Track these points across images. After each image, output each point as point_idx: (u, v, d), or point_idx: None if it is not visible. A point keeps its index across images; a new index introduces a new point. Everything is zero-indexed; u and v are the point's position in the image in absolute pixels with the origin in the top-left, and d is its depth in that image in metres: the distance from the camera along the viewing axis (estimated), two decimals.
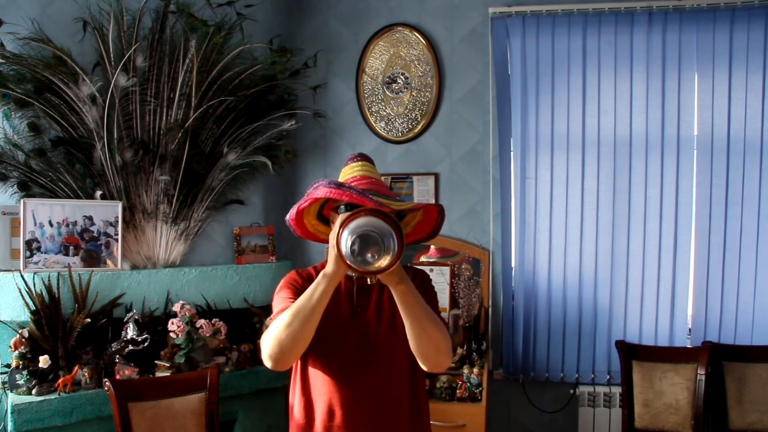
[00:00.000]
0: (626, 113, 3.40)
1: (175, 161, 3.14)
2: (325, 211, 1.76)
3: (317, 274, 1.67)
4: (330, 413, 1.67)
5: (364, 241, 1.37)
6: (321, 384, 1.70)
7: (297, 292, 1.68)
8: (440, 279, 3.42)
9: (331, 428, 1.67)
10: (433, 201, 3.65)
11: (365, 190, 1.60)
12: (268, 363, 1.61)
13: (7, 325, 2.78)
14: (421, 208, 1.72)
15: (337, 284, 1.56)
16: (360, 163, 1.73)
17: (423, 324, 1.54)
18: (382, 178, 1.78)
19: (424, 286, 1.73)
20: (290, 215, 1.71)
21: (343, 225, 1.41)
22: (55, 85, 2.88)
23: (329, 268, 1.53)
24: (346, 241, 1.39)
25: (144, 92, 3.09)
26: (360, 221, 1.39)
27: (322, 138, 3.79)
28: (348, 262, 1.42)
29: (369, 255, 1.37)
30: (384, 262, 1.39)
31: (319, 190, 1.59)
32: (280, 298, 1.72)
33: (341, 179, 1.71)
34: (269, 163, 3.38)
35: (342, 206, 1.63)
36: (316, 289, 1.54)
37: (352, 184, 1.65)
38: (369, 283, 1.56)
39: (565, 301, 3.47)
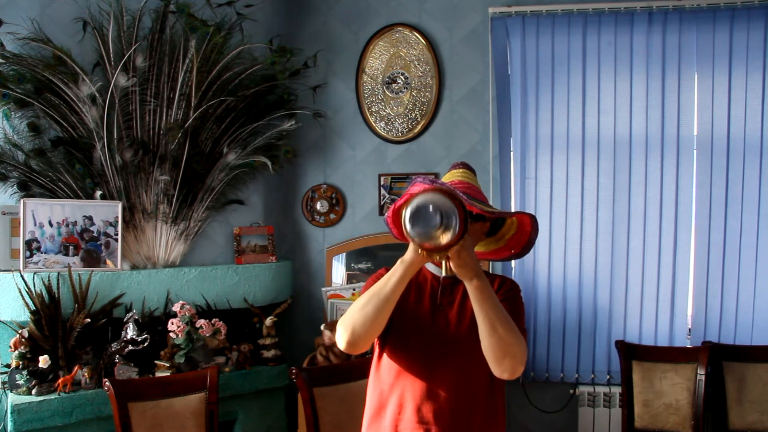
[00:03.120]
0: (626, 113, 3.40)
1: (175, 161, 3.14)
2: None
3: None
4: (400, 406, 1.66)
5: (421, 212, 1.36)
6: (395, 377, 1.69)
7: None
8: None
9: (400, 421, 1.66)
10: None
11: (460, 190, 1.61)
12: (341, 345, 1.62)
13: (7, 325, 2.79)
14: (513, 217, 1.71)
15: (414, 272, 1.56)
16: (461, 170, 1.77)
17: (494, 324, 1.51)
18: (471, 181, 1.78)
19: (509, 294, 1.71)
20: (388, 214, 1.75)
21: (408, 199, 1.41)
22: (55, 85, 2.87)
23: (407, 255, 1.55)
24: (406, 212, 1.38)
25: (144, 92, 3.09)
26: (422, 196, 1.39)
27: (322, 138, 3.79)
28: (408, 234, 1.41)
29: (428, 226, 1.36)
30: (445, 238, 1.38)
31: (416, 186, 1.62)
32: (364, 288, 1.74)
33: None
34: (269, 163, 3.38)
35: None
36: (392, 275, 1.55)
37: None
38: (444, 274, 1.55)
39: (565, 301, 3.47)
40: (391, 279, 1.55)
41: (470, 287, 1.52)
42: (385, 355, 1.71)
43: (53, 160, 2.94)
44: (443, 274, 1.56)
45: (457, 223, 1.37)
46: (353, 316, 1.59)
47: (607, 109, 3.42)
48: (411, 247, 1.53)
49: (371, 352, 1.79)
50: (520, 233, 1.76)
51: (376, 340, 1.71)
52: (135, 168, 3.09)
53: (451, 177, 1.76)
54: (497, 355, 1.53)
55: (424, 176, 1.63)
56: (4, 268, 2.85)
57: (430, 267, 1.74)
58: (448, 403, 1.63)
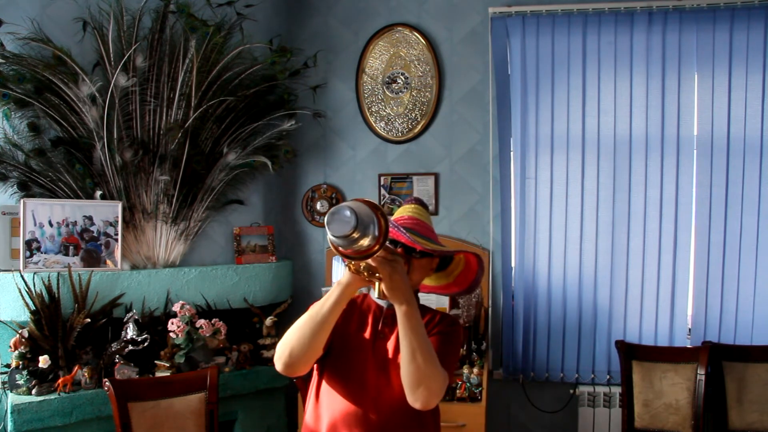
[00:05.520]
0: (626, 113, 3.40)
1: (175, 161, 3.14)
2: None
3: (357, 302, 1.76)
4: (333, 428, 1.69)
5: (337, 215, 1.41)
6: (332, 400, 1.71)
7: None
8: None
9: None
10: (433, 202, 3.65)
11: (408, 227, 1.66)
12: (278, 366, 1.64)
13: (7, 325, 2.79)
14: (460, 255, 1.74)
15: (351, 294, 1.59)
16: (413, 206, 1.81)
17: (414, 352, 1.54)
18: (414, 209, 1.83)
19: (444, 330, 1.72)
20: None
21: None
22: (55, 85, 2.87)
23: (344, 277, 1.59)
24: (326, 217, 1.42)
25: (144, 92, 3.09)
26: (342, 203, 1.44)
27: (322, 138, 3.79)
28: (330, 241, 1.45)
29: (343, 228, 1.40)
30: (364, 242, 1.42)
31: None
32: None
33: (393, 217, 1.78)
34: (269, 163, 3.38)
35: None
36: (329, 297, 1.59)
37: (400, 222, 1.73)
38: (377, 297, 1.59)
39: (565, 301, 3.47)
40: (328, 300, 1.58)
41: (399, 312, 1.56)
42: (324, 382, 1.73)
43: (53, 160, 2.94)
44: (375, 295, 1.60)
45: (376, 228, 1.41)
46: (291, 338, 1.60)
47: (607, 109, 3.42)
48: (346, 270, 1.58)
49: (310, 376, 1.80)
50: (467, 271, 1.80)
51: (315, 365, 1.73)
52: (135, 168, 3.09)
53: (402, 212, 1.79)
54: (412, 383, 1.55)
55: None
56: (4, 268, 2.85)
57: (374, 297, 1.77)
58: (382, 428, 1.66)
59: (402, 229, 1.64)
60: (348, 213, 1.38)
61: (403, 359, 1.56)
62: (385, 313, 1.73)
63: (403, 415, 1.66)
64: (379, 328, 1.72)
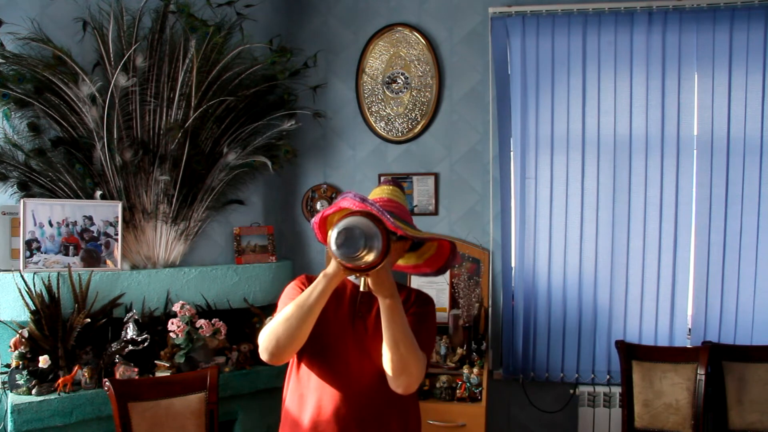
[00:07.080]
0: (626, 113, 3.40)
1: (175, 161, 3.14)
2: None
3: None
4: (320, 408, 1.72)
5: (348, 236, 1.48)
6: (314, 380, 1.75)
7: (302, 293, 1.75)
8: (440, 279, 3.42)
9: (320, 423, 1.72)
10: (433, 202, 3.65)
11: (387, 210, 1.68)
12: (264, 356, 1.67)
13: (7, 325, 2.79)
14: (435, 241, 1.78)
15: (336, 284, 1.64)
16: (391, 187, 1.83)
17: (397, 342, 1.61)
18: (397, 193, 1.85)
19: (419, 311, 1.78)
20: (315, 219, 1.80)
21: (336, 219, 1.52)
22: (55, 85, 2.87)
23: (330, 268, 1.62)
24: (333, 235, 1.49)
25: (144, 92, 3.09)
26: (348, 220, 1.50)
27: (322, 138, 3.79)
28: (335, 256, 1.52)
29: (352, 249, 1.48)
30: (369, 258, 1.49)
31: (345, 201, 1.67)
32: (284, 297, 1.80)
33: (370, 197, 1.79)
34: (269, 163, 3.38)
35: None
36: (315, 288, 1.62)
37: (378, 204, 1.74)
38: (362, 290, 1.65)
39: (565, 301, 3.47)
40: (314, 291, 1.62)
41: (383, 305, 1.62)
42: (304, 365, 1.77)
43: (53, 160, 2.94)
44: (361, 289, 1.66)
45: (380, 246, 1.49)
46: (276, 328, 1.64)
47: (607, 109, 3.42)
48: (333, 261, 1.60)
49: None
50: (438, 255, 1.83)
51: None
52: (135, 168, 3.09)
53: (380, 193, 1.81)
54: (395, 371, 1.63)
55: (355, 192, 1.68)
56: (4, 268, 2.85)
57: (350, 276, 1.81)
58: (364, 405, 1.72)
59: (386, 213, 1.65)
60: (359, 237, 1.46)
61: (386, 349, 1.62)
62: (361, 292, 1.76)
63: (386, 391, 1.70)
64: (357, 307, 1.77)
